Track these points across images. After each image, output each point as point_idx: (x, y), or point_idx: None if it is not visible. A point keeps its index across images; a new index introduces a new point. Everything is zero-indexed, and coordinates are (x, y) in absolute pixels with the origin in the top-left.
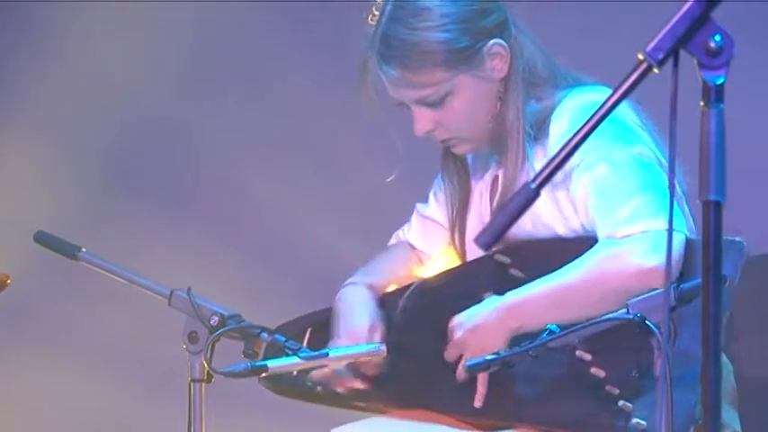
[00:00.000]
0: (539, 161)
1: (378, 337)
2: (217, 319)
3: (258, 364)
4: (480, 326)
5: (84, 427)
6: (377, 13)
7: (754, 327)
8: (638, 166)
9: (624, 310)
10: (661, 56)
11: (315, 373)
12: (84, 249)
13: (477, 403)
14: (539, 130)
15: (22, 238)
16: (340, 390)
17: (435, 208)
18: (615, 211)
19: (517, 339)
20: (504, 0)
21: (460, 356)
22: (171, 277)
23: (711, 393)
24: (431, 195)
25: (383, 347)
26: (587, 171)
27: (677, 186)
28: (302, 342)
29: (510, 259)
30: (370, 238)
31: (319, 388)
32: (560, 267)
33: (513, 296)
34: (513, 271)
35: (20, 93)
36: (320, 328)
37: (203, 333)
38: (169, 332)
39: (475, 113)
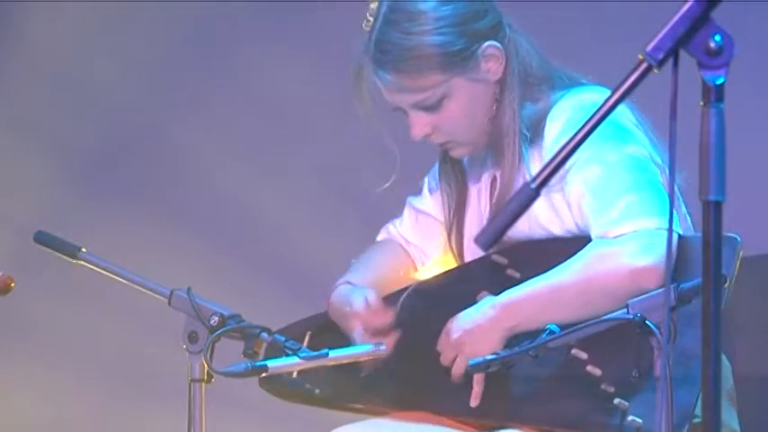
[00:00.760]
0: (534, 163)
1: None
2: (217, 319)
3: (258, 364)
4: (476, 326)
5: (85, 427)
6: (371, 18)
7: (754, 326)
8: (631, 165)
9: (624, 310)
10: (661, 56)
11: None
12: (84, 249)
13: (474, 402)
14: (534, 131)
15: (22, 238)
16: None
17: (430, 201)
18: (607, 210)
19: (517, 339)
20: (499, 0)
21: (455, 358)
22: (171, 277)
23: (711, 393)
24: (425, 189)
25: (383, 347)
26: (581, 171)
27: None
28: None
29: (507, 260)
30: (369, 238)
31: (318, 390)
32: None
33: (507, 296)
34: (509, 272)
35: (13, 93)
36: (320, 331)
37: (203, 333)
38: (169, 332)
39: (471, 116)
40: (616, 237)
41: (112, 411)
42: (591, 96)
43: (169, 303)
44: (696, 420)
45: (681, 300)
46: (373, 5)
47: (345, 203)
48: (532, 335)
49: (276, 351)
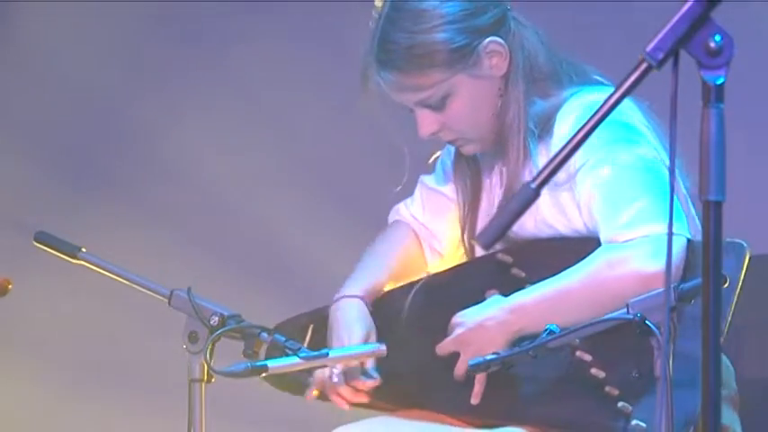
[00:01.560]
0: (542, 159)
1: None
2: (217, 319)
3: (258, 364)
4: (483, 325)
5: (84, 427)
6: (375, 17)
7: (755, 327)
8: (642, 167)
9: (624, 310)
10: (661, 56)
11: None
12: (84, 249)
13: (474, 401)
14: (543, 128)
15: (22, 238)
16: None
17: (444, 181)
18: (618, 215)
19: (516, 340)
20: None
21: (455, 354)
22: (171, 277)
23: (711, 393)
24: (438, 167)
25: (383, 347)
26: (592, 172)
27: (682, 187)
28: (304, 339)
29: (512, 259)
30: (369, 238)
31: None
32: (562, 267)
33: (515, 299)
34: (514, 271)
35: (11, 94)
36: (322, 325)
37: (203, 333)
38: (169, 332)
39: (476, 113)
40: (626, 241)
41: (112, 411)
42: (602, 96)
43: (169, 303)
44: None
45: (681, 300)
46: (378, 4)
47: (345, 203)
48: (532, 335)
49: (276, 351)
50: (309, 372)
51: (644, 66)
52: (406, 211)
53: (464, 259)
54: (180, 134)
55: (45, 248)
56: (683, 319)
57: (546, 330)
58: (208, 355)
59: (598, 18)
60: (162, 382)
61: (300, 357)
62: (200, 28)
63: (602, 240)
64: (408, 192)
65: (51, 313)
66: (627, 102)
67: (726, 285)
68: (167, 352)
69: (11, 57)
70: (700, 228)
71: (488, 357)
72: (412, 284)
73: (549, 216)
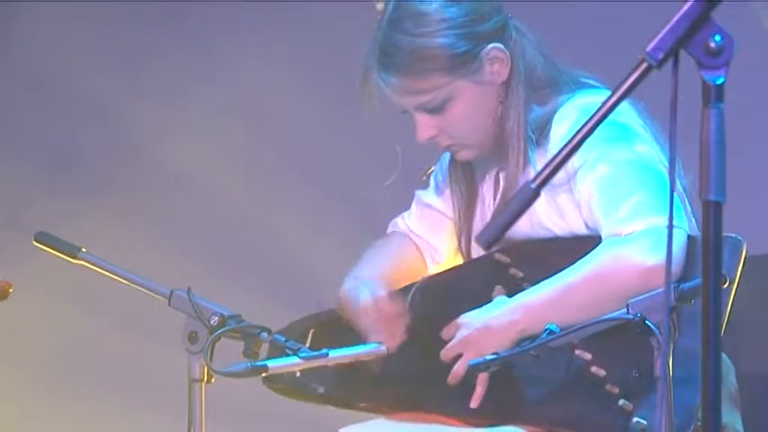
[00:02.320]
0: (540, 165)
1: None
2: (217, 319)
3: (258, 364)
4: (488, 326)
5: (84, 427)
6: (377, 19)
7: (756, 327)
8: (639, 163)
9: (624, 310)
10: (661, 56)
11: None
12: (84, 249)
13: (474, 404)
14: (540, 134)
15: (22, 238)
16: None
17: (436, 196)
18: (618, 209)
19: (519, 339)
20: (504, 0)
21: (458, 356)
22: (171, 277)
23: (711, 393)
24: (431, 183)
25: (383, 347)
26: (590, 171)
27: (679, 185)
28: (305, 344)
29: (509, 259)
30: (369, 238)
31: (322, 389)
32: (559, 266)
33: (520, 298)
34: (512, 270)
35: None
36: (323, 329)
37: (203, 333)
38: (169, 332)
39: (476, 118)
40: (627, 235)
41: (113, 411)
42: (597, 99)
43: (169, 303)
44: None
45: (681, 299)
46: (380, 7)
47: (345, 203)
48: (534, 335)
49: (276, 351)
50: (315, 378)
51: (644, 66)
52: (404, 224)
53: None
54: (180, 134)
55: (45, 248)
56: (682, 315)
57: (546, 330)
58: (208, 355)
59: (598, 17)
60: (162, 382)
61: (300, 357)
62: (199, 30)
63: (603, 235)
64: (404, 193)
65: (51, 313)
66: (623, 103)
67: (725, 286)
68: (167, 352)
69: (10, 58)
70: (695, 225)
71: (488, 357)
72: (409, 286)
73: (545, 218)
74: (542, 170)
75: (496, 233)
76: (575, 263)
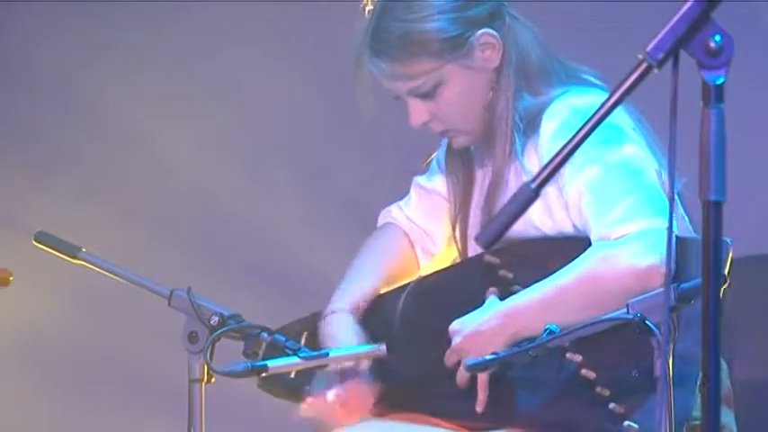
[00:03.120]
0: (529, 157)
1: (364, 365)
2: (217, 319)
3: (258, 364)
4: (480, 331)
5: (84, 427)
6: (370, 7)
7: (754, 327)
8: (629, 166)
9: (624, 310)
10: (661, 56)
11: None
12: (84, 249)
13: (479, 408)
14: (529, 124)
15: (22, 238)
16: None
17: (439, 180)
18: (608, 212)
19: (516, 342)
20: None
21: (459, 362)
22: (171, 277)
23: (711, 393)
24: (434, 166)
25: (383, 347)
26: (579, 172)
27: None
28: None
29: (499, 260)
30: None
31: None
32: (550, 268)
33: (511, 302)
34: (502, 272)
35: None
36: (317, 331)
37: (203, 333)
38: (169, 332)
39: (467, 104)
40: (618, 238)
41: (112, 411)
42: (589, 98)
43: (169, 303)
44: (695, 423)
45: (681, 300)
46: None
47: (344, 203)
48: (531, 337)
49: (276, 351)
50: (308, 379)
51: (644, 66)
52: (400, 213)
53: (456, 258)
54: (180, 135)
55: (45, 248)
56: (677, 319)
57: (546, 330)
58: (208, 355)
59: (596, 17)
60: (162, 382)
61: (300, 357)
62: (195, 29)
63: (592, 239)
64: (404, 192)
65: (51, 313)
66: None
67: (726, 286)
68: (167, 352)
69: (10, 58)
70: (689, 227)
71: (487, 357)
72: (402, 288)
73: (536, 218)
74: (541, 171)
75: (495, 234)
76: (565, 264)
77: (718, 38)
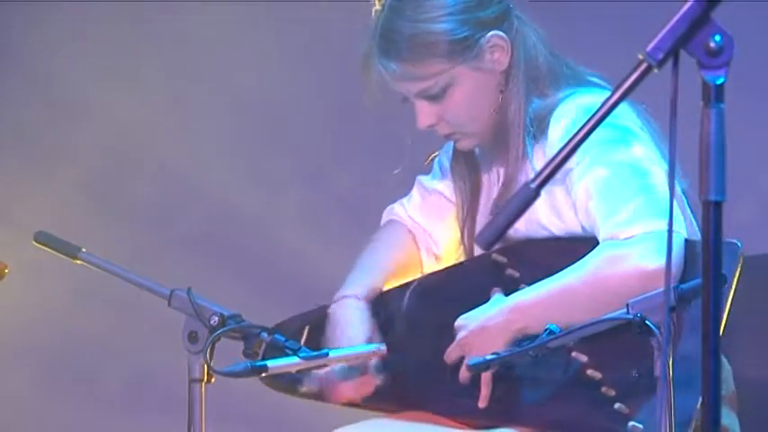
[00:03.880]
0: (538, 160)
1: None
2: (217, 319)
3: (258, 364)
4: (484, 327)
5: (84, 427)
6: (378, 7)
7: (754, 327)
8: (637, 167)
9: (624, 310)
10: (661, 56)
11: (306, 387)
12: (84, 249)
13: (482, 404)
14: (538, 127)
15: (22, 238)
16: (333, 399)
17: (442, 182)
18: (616, 213)
19: (518, 340)
20: None
21: (462, 358)
22: (171, 277)
23: (711, 393)
24: (435, 167)
25: (383, 347)
26: (587, 173)
27: (678, 187)
28: (300, 340)
29: (506, 259)
30: (367, 237)
31: (317, 387)
32: (557, 267)
33: (517, 298)
34: (509, 271)
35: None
36: (318, 325)
37: (203, 333)
38: (169, 332)
39: (475, 106)
40: (626, 239)
41: (112, 411)
42: (596, 99)
43: (169, 303)
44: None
45: (681, 300)
46: None
47: (344, 202)
48: (534, 335)
49: (276, 351)
50: (308, 373)
51: (644, 66)
52: (403, 211)
53: (461, 260)
54: (180, 135)
55: (45, 248)
56: (683, 321)
57: (546, 330)
58: (208, 355)
59: (595, 17)
60: (162, 382)
61: (300, 357)
62: (196, 29)
63: (600, 239)
64: (405, 191)
65: (50, 313)
66: (622, 104)
67: (734, 289)
68: (167, 352)
69: (9, 58)
70: (696, 228)
71: (488, 357)
72: (406, 285)
73: (543, 218)
74: (542, 170)
75: (496, 233)
76: (572, 264)
77: (718, 38)
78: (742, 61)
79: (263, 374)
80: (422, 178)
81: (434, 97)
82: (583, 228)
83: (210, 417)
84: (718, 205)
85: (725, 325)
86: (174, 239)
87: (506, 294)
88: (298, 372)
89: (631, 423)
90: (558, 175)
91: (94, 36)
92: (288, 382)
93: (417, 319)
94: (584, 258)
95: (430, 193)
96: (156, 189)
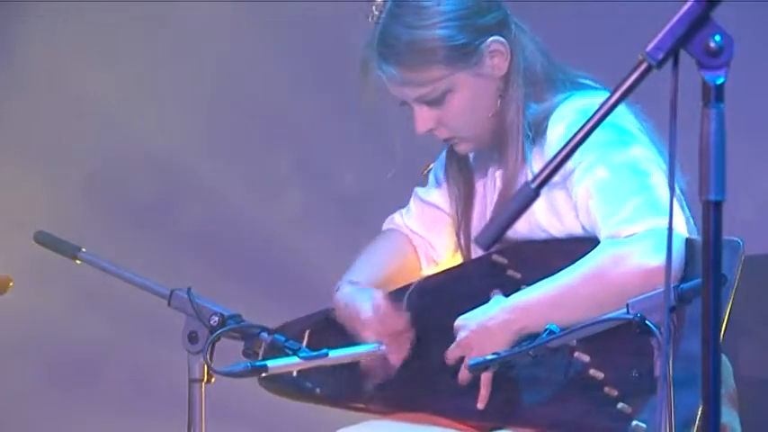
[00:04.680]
0: (537, 163)
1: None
2: (217, 319)
3: (258, 364)
4: (485, 327)
5: (84, 427)
6: (377, 12)
7: (755, 327)
8: (637, 166)
9: (624, 310)
10: (661, 56)
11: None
12: (84, 249)
13: (480, 405)
14: (536, 131)
15: (22, 238)
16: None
17: (437, 193)
18: (617, 211)
19: (519, 339)
20: None
21: (462, 358)
22: (171, 277)
23: (711, 392)
24: (431, 179)
25: (383, 347)
26: (587, 174)
27: (676, 186)
28: (301, 344)
29: (507, 260)
30: (367, 237)
31: (318, 389)
32: (557, 268)
33: (518, 298)
34: (510, 272)
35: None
36: (319, 329)
37: (203, 333)
38: (169, 332)
39: (475, 111)
40: (628, 236)
41: (112, 411)
42: (593, 101)
43: (169, 303)
44: None
45: (681, 300)
46: (379, 0)
47: (344, 204)
48: (532, 335)
49: (276, 351)
50: (309, 378)
51: (644, 66)
52: (402, 221)
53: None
54: (179, 135)
55: (45, 248)
56: (684, 319)
57: (546, 330)
58: (208, 355)
59: (595, 17)
60: (162, 382)
61: (300, 357)
62: (196, 28)
63: (601, 238)
64: (405, 192)
65: (50, 313)
66: (619, 105)
67: (735, 287)
68: (167, 352)
69: (10, 59)
70: (693, 227)
71: (488, 357)
72: (406, 287)
73: (543, 220)
74: (541, 171)
75: (495, 234)
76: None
77: (718, 38)
78: (742, 61)
79: (263, 375)
80: (418, 190)
81: (433, 102)
82: (583, 230)
83: (210, 417)
84: (718, 205)
85: (727, 323)
86: (175, 239)
87: (506, 295)
88: (298, 372)
89: (634, 422)
90: (559, 178)
91: (97, 37)
92: (292, 389)
93: (419, 321)
94: (586, 257)
95: (427, 206)
96: (156, 189)
